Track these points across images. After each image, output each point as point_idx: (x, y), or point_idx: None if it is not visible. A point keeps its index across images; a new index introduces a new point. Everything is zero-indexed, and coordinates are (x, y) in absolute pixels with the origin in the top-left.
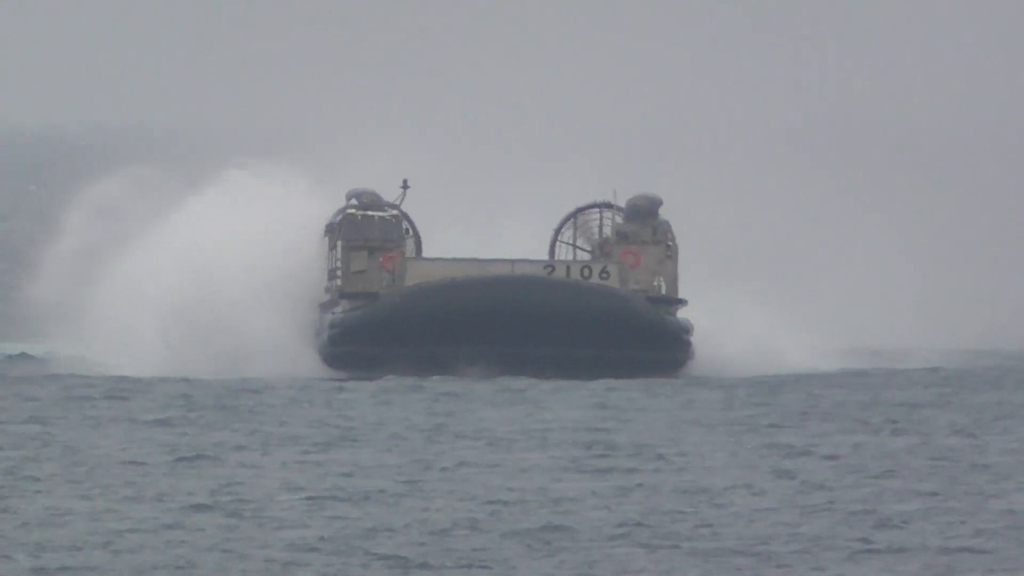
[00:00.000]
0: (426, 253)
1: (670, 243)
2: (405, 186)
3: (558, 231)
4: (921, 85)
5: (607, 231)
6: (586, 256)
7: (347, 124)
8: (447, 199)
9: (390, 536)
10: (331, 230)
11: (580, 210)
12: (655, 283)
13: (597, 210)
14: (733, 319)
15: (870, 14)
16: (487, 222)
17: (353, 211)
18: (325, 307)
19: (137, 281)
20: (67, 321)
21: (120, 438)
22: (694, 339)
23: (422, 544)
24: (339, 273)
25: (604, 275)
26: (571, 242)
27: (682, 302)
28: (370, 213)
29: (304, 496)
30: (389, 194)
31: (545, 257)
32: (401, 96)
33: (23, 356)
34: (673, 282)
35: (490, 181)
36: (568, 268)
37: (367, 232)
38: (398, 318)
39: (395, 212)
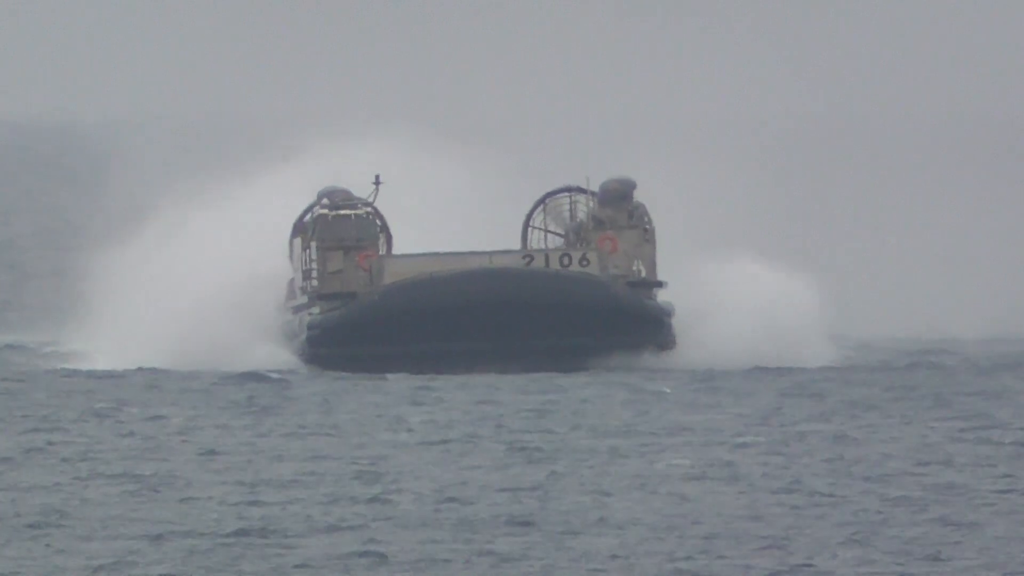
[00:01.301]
0: (397, 249)
1: (647, 226)
2: (377, 182)
3: (529, 217)
4: (906, 69)
5: (580, 215)
6: (559, 241)
7: (316, 117)
8: (414, 192)
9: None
10: (301, 230)
11: (550, 194)
12: (634, 267)
13: (567, 194)
14: (721, 297)
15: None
16: (457, 214)
17: (325, 211)
18: (299, 308)
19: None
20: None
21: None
22: (676, 322)
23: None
24: (314, 274)
25: (584, 262)
26: (542, 227)
27: (661, 284)
28: (343, 212)
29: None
30: (360, 190)
31: (518, 245)
32: (367, 87)
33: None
34: (652, 265)
35: (458, 171)
36: (547, 257)
37: (341, 232)
38: (378, 316)
39: (368, 210)
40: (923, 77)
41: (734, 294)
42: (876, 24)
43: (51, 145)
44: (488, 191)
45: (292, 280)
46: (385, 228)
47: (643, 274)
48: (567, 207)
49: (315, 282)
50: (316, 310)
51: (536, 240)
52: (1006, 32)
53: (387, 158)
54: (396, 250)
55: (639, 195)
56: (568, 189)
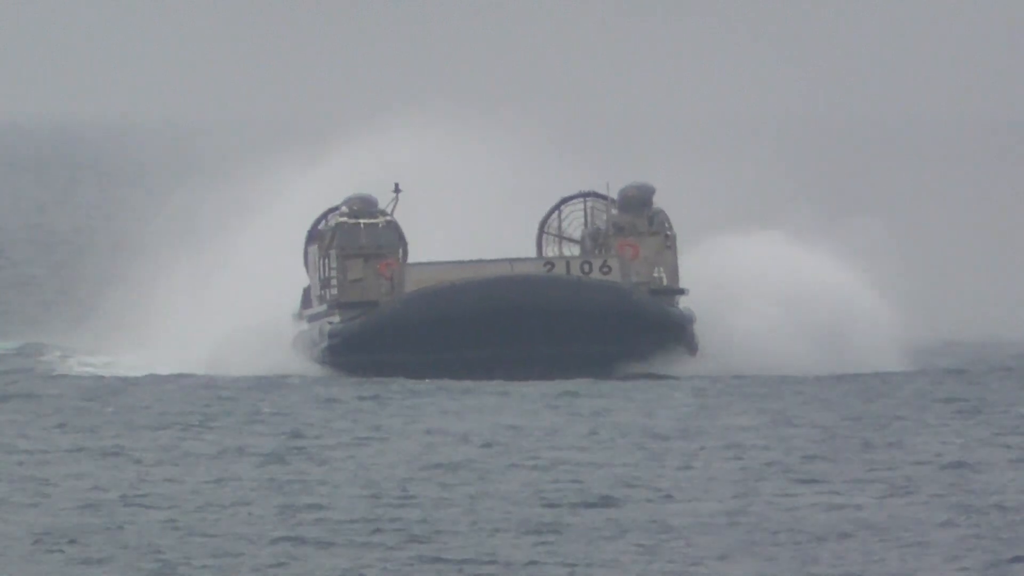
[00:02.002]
0: (413, 258)
1: (668, 232)
2: (397, 190)
3: (544, 223)
4: (920, 75)
5: (597, 222)
6: (574, 247)
7: (333, 123)
8: (430, 199)
9: None
10: (318, 237)
11: (565, 200)
12: (655, 274)
13: (582, 200)
14: (739, 301)
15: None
16: (473, 221)
17: (345, 219)
18: (317, 317)
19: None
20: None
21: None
22: (698, 328)
23: None
24: (333, 282)
25: (605, 269)
26: (557, 233)
27: (683, 291)
28: (364, 220)
29: None
30: (381, 197)
31: (533, 252)
32: (383, 92)
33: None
34: (674, 272)
35: (474, 178)
36: (568, 264)
37: (361, 240)
38: (400, 324)
39: (389, 218)
40: (934, 76)
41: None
42: (882, 21)
43: (51, 146)
44: (503, 194)
45: (307, 288)
46: (401, 237)
47: (664, 281)
48: (582, 213)
49: (334, 290)
50: (336, 319)
51: (551, 246)
52: (1007, 31)
53: (405, 157)
54: (412, 256)
55: (658, 200)
56: (584, 195)
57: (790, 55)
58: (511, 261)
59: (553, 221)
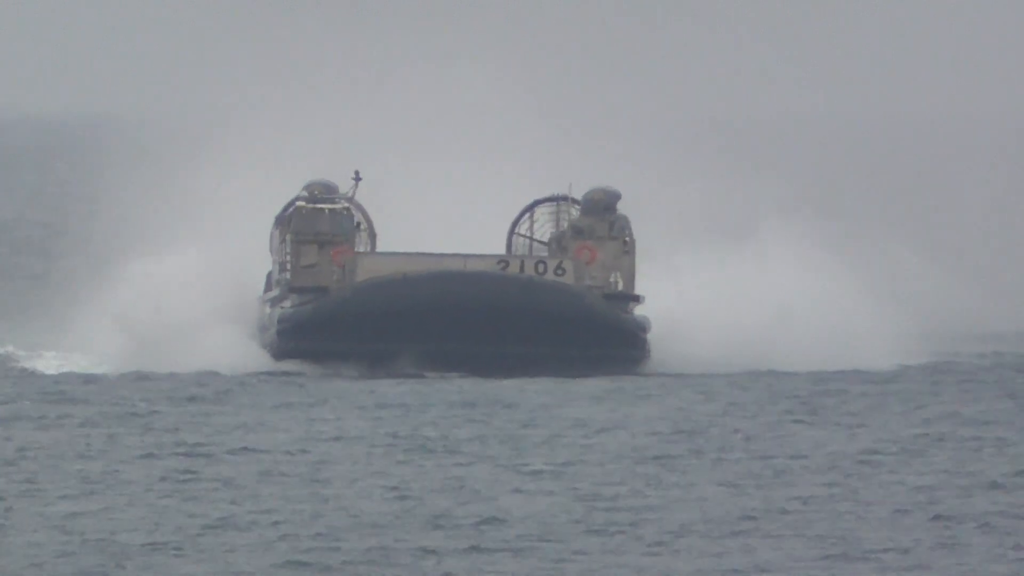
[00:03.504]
0: (384, 247)
1: (627, 238)
2: (357, 177)
3: (515, 224)
4: (900, 77)
5: (564, 225)
6: (543, 250)
7: (306, 112)
8: (408, 191)
9: None
10: (281, 222)
11: (537, 203)
12: (612, 279)
13: (554, 204)
14: (697, 313)
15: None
16: (448, 215)
17: (303, 204)
18: (274, 301)
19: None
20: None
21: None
22: (651, 336)
23: None
24: (288, 266)
25: (560, 271)
26: (528, 235)
27: (638, 299)
28: (320, 206)
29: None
30: (345, 186)
31: (503, 251)
32: (361, 85)
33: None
34: (630, 278)
35: (452, 172)
36: (522, 263)
37: (317, 225)
38: (347, 313)
39: (346, 205)
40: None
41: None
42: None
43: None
44: (481, 193)
45: (270, 272)
46: (369, 226)
47: (620, 286)
48: (553, 217)
49: (288, 275)
50: (288, 303)
51: (521, 248)
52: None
53: (376, 154)
54: (382, 247)
55: (626, 207)
56: (555, 198)
57: (782, 55)
58: (465, 257)
59: (524, 223)
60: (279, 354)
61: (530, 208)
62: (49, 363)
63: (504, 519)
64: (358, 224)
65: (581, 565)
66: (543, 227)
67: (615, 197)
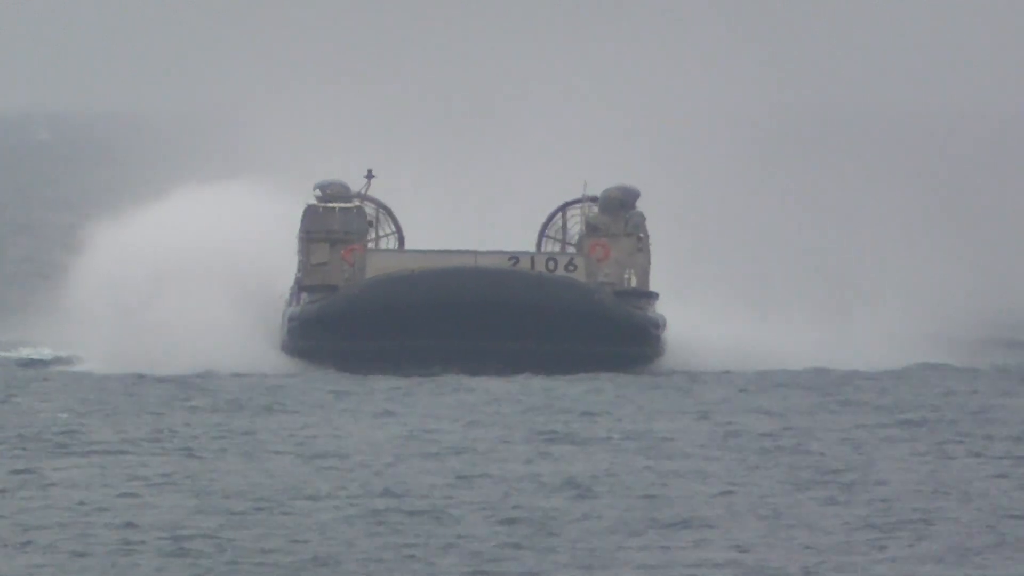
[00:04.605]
0: (410, 245)
1: (641, 235)
2: (370, 175)
3: (545, 226)
4: (912, 74)
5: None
6: (571, 251)
7: (329, 115)
8: (441, 189)
9: None
10: None
11: (568, 204)
12: (625, 276)
13: (585, 204)
14: (713, 314)
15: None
16: (479, 213)
17: (314, 203)
18: (290, 301)
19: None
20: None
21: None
22: (666, 334)
23: None
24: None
25: (570, 268)
26: (558, 237)
27: (653, 295)
28: (331, 205)
29: None
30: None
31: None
32: (386, 90)
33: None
34: (644, 275)
35: (485, 172)
36: (533, 260)
37: (328, 224)
38: (356, 311)
39: (357, 203)
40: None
41: None
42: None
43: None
44: (515, 191)
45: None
46: (395, 222)
47: (634, 283)
48: (583, 217)
49: (300, 274)
50: (300, 302)
51: (551, 250)
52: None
53: (410, 153)
54: (409, 245)
55: (646, 205)
56: (585, 199)
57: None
58: (476, 253)
59: (554, 224)
60: (291, 353)
61: (561, 209)
62: (81, 363)
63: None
64: (371, 222)
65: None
66: (573, 228)
67: (633, 195)
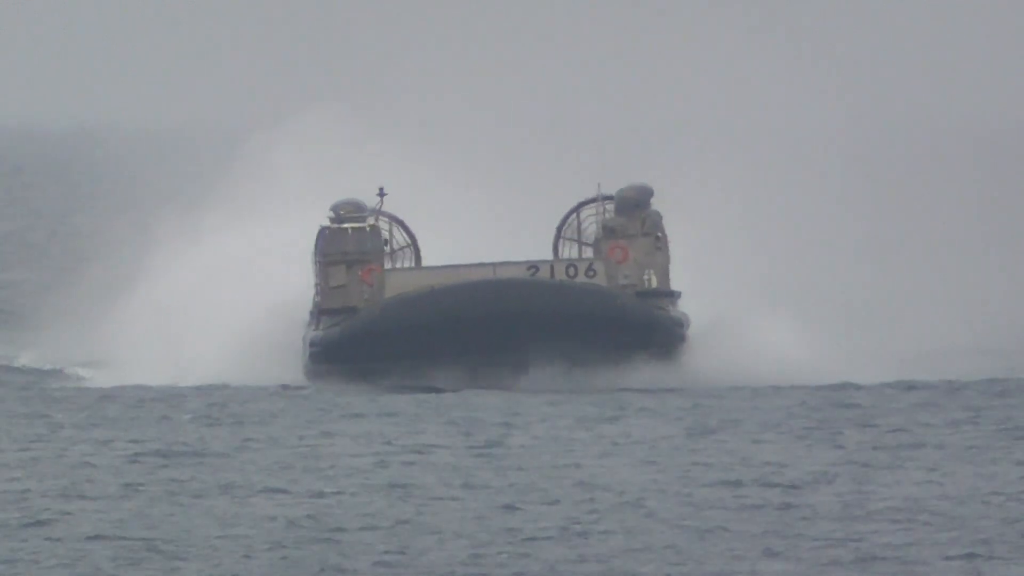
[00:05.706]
0: (427, 261)
1: (659, 234)
2: (381, 193)
3: (560, 228)
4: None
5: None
6: (589, 252)
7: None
8: (447, 203)
9: None
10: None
11: (582, 205)
12: (645, 277)
13: (599, 203)
14: (737, 314)
15: (876, 8)
16: (492, 224)
17: (328, 224)
18: (309, 325)
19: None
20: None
21: None
22: (690, 332)
23: None
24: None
25: (590, 273)
26: (575, 238)
27: (675, 294)
28: (344, 226)
29: None
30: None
31: (550, 256)
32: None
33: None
34: (664, 274)
35: (490, 181)
36: (552, 268)
37: (342, 245)
38: (378, 331)
39: (371, 223)
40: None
41: None
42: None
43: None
44: (524, 199)
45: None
46: (412, 239)
47: (654, 284)
48: (599, 217)
49: (318, 297)
50: (320, 326)
51: (567, 251)
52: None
53: (411, 167)
54: (427, 262)
55: (658, 203)
56: (600, 199)
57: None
58: (494, 265)
59: (570, 225)
60: (314, 377)
61: (575, 210)
62: (106, 377)
63: None
64: (386, 241)
65: None
66: (588, 228)
67: (648, 194)
